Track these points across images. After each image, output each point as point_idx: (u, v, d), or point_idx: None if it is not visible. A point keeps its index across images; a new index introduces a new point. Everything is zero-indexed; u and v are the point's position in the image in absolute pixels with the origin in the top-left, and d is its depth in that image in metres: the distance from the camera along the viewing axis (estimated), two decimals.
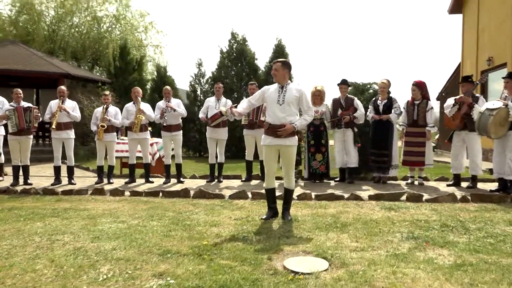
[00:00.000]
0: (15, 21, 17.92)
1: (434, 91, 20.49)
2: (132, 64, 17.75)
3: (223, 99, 8.01)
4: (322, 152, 7.65)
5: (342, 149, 7.60)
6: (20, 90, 7.67)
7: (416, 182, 7.39)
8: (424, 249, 3.58)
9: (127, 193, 6.52)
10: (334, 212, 5.05)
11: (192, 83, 17.17)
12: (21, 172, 7.64)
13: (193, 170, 9.88)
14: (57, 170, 7.76)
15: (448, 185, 7.05)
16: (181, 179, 7.90)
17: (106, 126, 7.60)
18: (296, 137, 4.75)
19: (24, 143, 7.60)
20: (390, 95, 7.39)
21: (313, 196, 5.98)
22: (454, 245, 3.68)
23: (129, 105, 7.83)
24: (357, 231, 4.16)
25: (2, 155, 8.38)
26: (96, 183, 7.74)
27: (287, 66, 4.75)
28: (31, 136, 7.72)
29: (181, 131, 7.94)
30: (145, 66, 19.77)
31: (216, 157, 7.98)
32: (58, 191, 6.63)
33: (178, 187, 7.17)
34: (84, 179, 8.44)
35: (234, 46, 16.83)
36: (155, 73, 18.05)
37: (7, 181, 7.91)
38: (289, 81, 4.78)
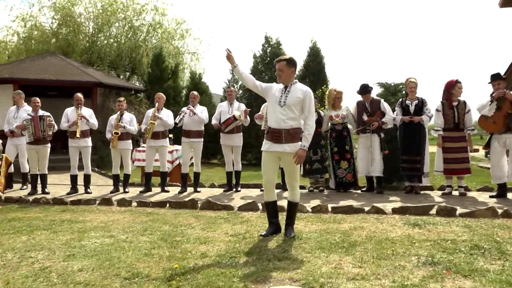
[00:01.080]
0: (56, 33, 18.57)
1: (484, 90, 18.97)
2: (167, 71, 17.81)
3: (236, 103, 7.57)
4: (347, 159, 6.99)
5: (367, 156, 6.90)
6: (38, 99, 7.64)
7: (455, 192, 6.54)
8: (441, 279, 2.91)
9: (134, 203, 6.21)
10: (347, 228, 4.42)
11: (226, 88, 16.92)
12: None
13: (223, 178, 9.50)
14: (73, 179, 7.63)
15: (491, 197, 6.15)
16: (198, 188, 7.52)
17: (120, 133, 7.38)
18: (299, 143, 4.19)
19: (42, 152, 7.54)
20: (416, 95, 6.65)
21: (329, 209, 5.36)
22: (482, 274, 2.97)
23: (150, 111, 7.58)
24: (365, 253, 3.53)
25: (27, 164, 8.40)
26: (111, 192, 7.54)
27: (292, 64, 4.21)
28: (49, 145, 7.64)
29: (202, 139, 7.57)
30: (181, 74, 19.83)
31: (234, 165, 7.54)
32: (67, 201, 6.45)
33: (192, 196, 6.79)
34: (102, 187, 8.28)
35: (268, 50, 16.41)
36: (190, 80, 18.00)
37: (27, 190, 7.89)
38: (295, 80, 4.23)
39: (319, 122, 7.09)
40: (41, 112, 7.59)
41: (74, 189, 7.59)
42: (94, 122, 7.57)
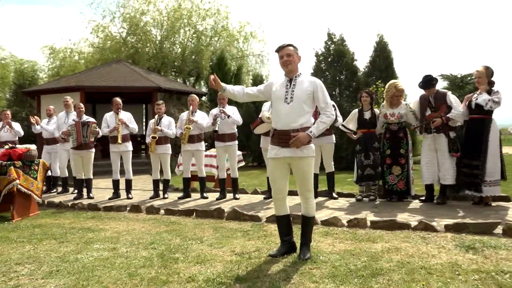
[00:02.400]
0: (126, 42, 19.37)
1: None
2: (230, 74, 17.68)
3: (268, 104, 6.95)
4: (401, 165, 6.05)
5: (432, 160, 5.88)
6: (81, 105, 7.71)
7: None
8: None
9: (162, 211, 5.89)
10: (380, 249, 3.63)
11: None
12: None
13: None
14: (115, 184, 7.57)
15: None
16: (237, 195, 7.04)
17: (157, 137, 7.16)
18: (313, 146, 3.51)
19: (86, 157, 7.58)
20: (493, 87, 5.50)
21: (368, 223, 4.56)
22: None
23: (184, 115, 7.28)
24: (386, 286, 2.76)
25: (58, 169, 8.58)
26: (151, 197, 7.35)
27: (297, 49, 3.58)
28: (93, 150, 7.66)
29: (236, 141, 7.09)
30: (246, 76, 19.62)
31: None
32: (100, 207, 6.34)
33: (228, 204, 6.36)
34: (145, 192, 8.14)
35: (331, 48, 15.52)
36: (252, 82, 17.69)
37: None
38: (300, 71, 3.58)
39: (372, 122, 6.25)
40: (85, 118, 7.64)
41: (116, 194, 7.53)
42: (133, 126, 7.45)
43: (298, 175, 3.50)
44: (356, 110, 6.48)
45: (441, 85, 6.53)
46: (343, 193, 6.89)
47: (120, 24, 19.71)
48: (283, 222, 3.63)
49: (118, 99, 7.53)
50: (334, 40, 15.50)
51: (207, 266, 3.33)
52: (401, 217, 4.97)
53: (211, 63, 17.49)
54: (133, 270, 3.28)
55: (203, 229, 4.74)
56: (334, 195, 6.68)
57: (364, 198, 6.39)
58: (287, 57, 3.47)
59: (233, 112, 6.94)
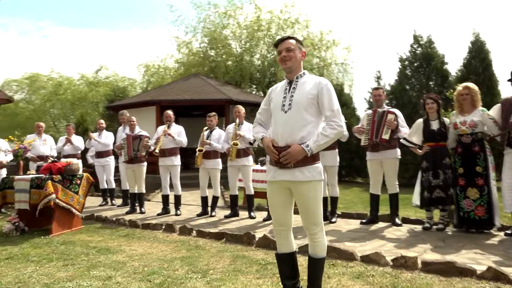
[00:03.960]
0: (205, 55, 19.72)
1: None
2: None
3: None
4: (479, 186, 4.86)
5: None
6: (133, 118, 7.64)
7: None
8: None
9: (194, 232, 5.42)
10: None
11: (370, 99, 15.12)
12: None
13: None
14: (165, 199, 7.35)
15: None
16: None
17: (204, 150, 6.76)
18: (320, 166, 2.71)
19: (138, 171, 7.48)
20: None
21: (419, 264, 3.57)
22: None
23: (230, 127, 6.82)
24: None
25: (112, 182, 8.63)
26: (198, 215, 6.97)
27: (301, 44, 2.86)
28: (145, 164, 7.53)
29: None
30: None
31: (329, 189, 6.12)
32: (139, 224, 6.08)
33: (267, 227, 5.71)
34: (198, 208, 7.77)
35: (418, 51, 14.00)
36: None
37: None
38: (304, 71, 2.83)
39: (442, 133, 5.16)
40: (138, 131, 7.55)
41: (165, 210, 7.29)
42: (181, 139, 7.15)
43: (300, 204, 2.72)
44: (421, 120, 5.40)
45: None
46: (410, 219, 5.79)
47: (201, 39, 20.18)
48: (286, 262, 2.86)
49: (169, 112, 7.32)
50: (421, 42, 13.99)
51: None
52: (470, 256, 3.87)
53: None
54: None
55: (221, 258, 4.14)
56: (397, 221, 5.63)
57: (433, 227, 5.27)
58: (286, 52, 2.76)
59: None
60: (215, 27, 19.57)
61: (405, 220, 5.76)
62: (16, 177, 6.14)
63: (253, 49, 19.46)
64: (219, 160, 7.01)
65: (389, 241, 4.70)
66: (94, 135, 8.56)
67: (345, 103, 15.35)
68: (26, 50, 54.61)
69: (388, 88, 14.43)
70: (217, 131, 7.02)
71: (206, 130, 6.91)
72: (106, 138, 8.56)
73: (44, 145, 8.39)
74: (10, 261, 4.23)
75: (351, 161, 14.08)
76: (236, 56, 19.52)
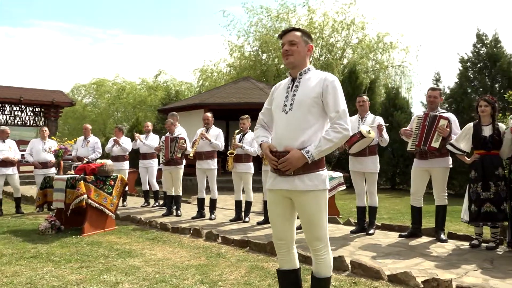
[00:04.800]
0: (256, 59, 19.64)
1: None
2: (361, 88, 16.30)
3: (371, 116, 5.71)
4: None
5: None
6: (171, 120, 7.64)
7: None
8: None
9: (219, 239, 5.24)
10: None
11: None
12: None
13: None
14: (200, 202, 7.25)
15: None
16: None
17: (235, 154, 6.59)
18: (323, 174, 2.39)
19: (174, 173, 7.47)
20: None
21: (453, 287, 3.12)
22: None
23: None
24: None
25: (156, 184, 8.69)
26: (231, 220, 6.80)
27: (309, 38, 2.55)
28: (182, 166, 7.51)
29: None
30: (380, 90, 17.91)
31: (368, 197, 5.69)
32: (169, 228, 6.01)
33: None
34: (230, 212, 7.60)
35: (481, 51, 12.91)
36: (385, 95, 15.98)
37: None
38: (309, 66, 2.53)
39: (494, 140, 4.57)
40: (177, 133, 7.54)
41: (200, 213, 7.20)
42: (218, 143, 7.00)
43: (301, 217, 2.43)
44: (471, 124, 4.81)
45: None
46: (457, 235, 5.20)
47: (253, 43, 20.17)
48: (287, 280, 2.57)
49: (208, 114, 7.24)
50: (486, 42, 12.90)
51: None
52: None
53: (342, 77, 16.42)
54: None
55: (237, 268, 3.92)
56: (443, 236, 5.07)
57: (482, 244, 4.67)
58: (290, 45, 2.47)
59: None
60: (267, 31, 19.47)
61: (452, 236, 5.18)
62: (55, 176, 6.33)
63: None
64: (251, 164, 6.80)
65: (428, 258, 4.21)
66: (142, 137, 8.70)
67: (401, 107, 14.54)
68: (95, 56, 58.26)
69: (448, 91, 13.48)
70: (250, 134, 6.82)
71: (238, 133, 6.74)
72: (152, 140, 8.64)
73: (85, 146, 8.64)
74: (32, 260, 4.29)
75: (406, 168, 13.28)
76: None
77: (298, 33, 2.49)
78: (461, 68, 13.12)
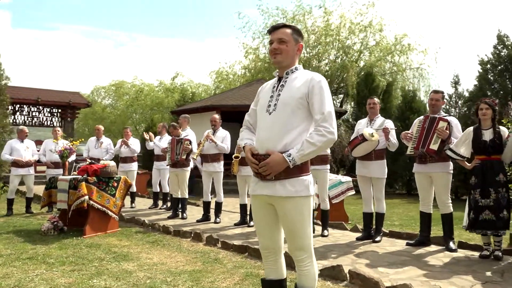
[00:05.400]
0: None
1: None
2: (378, 91, 15.98)
3: (380, 118, 5.50)
4: None
5: None
6: (175, 124, 7.56)
7: None
8: None
9: (219, 243, 5.12)
10: None
11: (447, 106, 13.82)
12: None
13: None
14: (205, 205, 7.16)
15: None
16: (325, 232, 5.79)
17: (240, 157, 6.45)
18: (308, 179, 2.25)
19: (180, 176, 7.39)
20: None
21: None
22: None
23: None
24: None
25: (167, 186, 8.61)
26: (236, 224, 6.68)
27: (299, 35, 2.41)
28: (187, 169, 7.42)
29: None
30: (397, 92, 17.54)
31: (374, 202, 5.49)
32: (171, 230, 5.93)
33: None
34: (235, 216, 7.48)
35: (502, 53, 12.48)
36: (402, 98, 15.60)
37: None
38: (297, 65, 2.39)
39: (495, 145, 4.33)
40: (184, 134, 7.46)
41: (205, 217, 7.10)
42: (223, 145, 6.89)
43: (283, 224, 2.29)
44: (471, 128, 4.58)
45: None
46: (467, 244, 4.94)
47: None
48: None
49: (215, 116, 7.15)
50: (507, 43, 12.47)
51: None
52: None
53: (358, 79, 16.13)
54: None
55: (231, 275, 3.79)
56: (452, 245, 4.83)
57: (489, 254, 4.42)
58: (278, 43, 2.34)
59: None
60: None
61: (462, 245, 4.93)
62: (60, 177, 6.33)
63: (321, 54, 18.85)
64: None
65: (433, 269, 4.00)
66: (156, 138, 8.67)
67: (418, 110, 14.20)
68: (117, 59, 59.20)
69: (467, 94, 13.09)
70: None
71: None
72: (165, 142, 8.59)
73: (99, 148, 8.63)
74: (27, 261, 4.25)
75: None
76: (304, 61, 19.05)
77: (289, 31, 2.36)
78: (481, 71, 12.74)
